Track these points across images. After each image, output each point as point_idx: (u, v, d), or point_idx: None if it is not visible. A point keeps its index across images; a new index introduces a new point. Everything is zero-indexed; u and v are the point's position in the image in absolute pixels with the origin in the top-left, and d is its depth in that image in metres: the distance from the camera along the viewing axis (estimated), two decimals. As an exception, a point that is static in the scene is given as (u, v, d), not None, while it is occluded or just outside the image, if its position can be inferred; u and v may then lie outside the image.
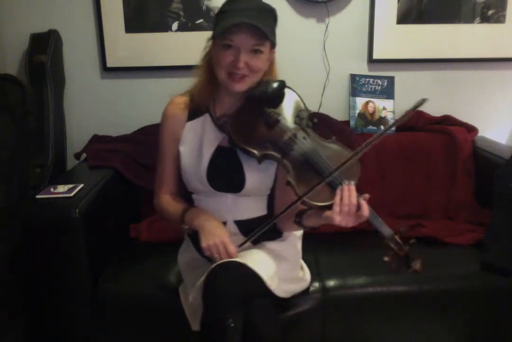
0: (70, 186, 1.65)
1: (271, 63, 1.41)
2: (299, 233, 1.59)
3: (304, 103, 1.41)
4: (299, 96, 1.42)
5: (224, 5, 1.35)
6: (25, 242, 1.54)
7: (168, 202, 1.49)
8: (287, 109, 1.39)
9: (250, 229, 1.38)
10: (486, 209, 1.95)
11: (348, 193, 1.23)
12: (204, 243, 1.31)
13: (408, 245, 1.27)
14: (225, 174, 1.39)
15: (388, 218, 2.00)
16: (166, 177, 1.50)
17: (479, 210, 2.01)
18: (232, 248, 1.30)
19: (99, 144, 2.10)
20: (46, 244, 1.51)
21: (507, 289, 1.60)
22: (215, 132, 1.42)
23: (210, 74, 1.40)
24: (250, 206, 1.44)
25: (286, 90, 1.41)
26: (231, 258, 1.28)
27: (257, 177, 1.40)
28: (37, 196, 1.59)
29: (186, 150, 1.44)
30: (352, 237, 1.91)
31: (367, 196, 1.27)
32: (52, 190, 1.62)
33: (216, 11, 2.02)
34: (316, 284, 1.57)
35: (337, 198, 1.23)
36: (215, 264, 1.27)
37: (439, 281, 1.60)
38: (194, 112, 1.45)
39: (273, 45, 1.35)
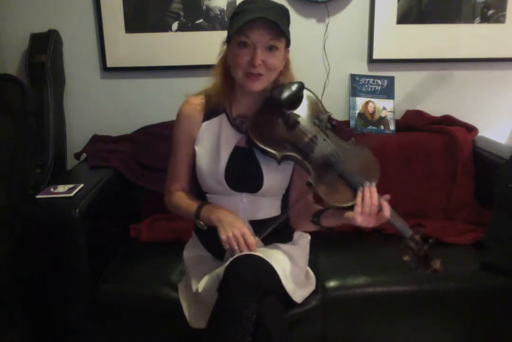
0: (70, 186, 1.65)
1: (286, 63, 1.42)
2: (309, 238, 1.61)
3: (322, 105, 1.43)
4: (317, 98, 1.44)
5: (239, 6, 1.37)
6: (25, 242, 1.54)
7: (181, 197, 1.49)
8: (306, 111, 1.40)
9: (263, 228, 1.42)
10: (486, 209, 1.95)
11: (370, 194, 1.26)
12: (223, 235, 1.31)
13: (428, 245, 1.30)
14: (243, 174, 1.40)
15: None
16: (179, 174, 1.49)
17: (479, 210, 2.01)
18: (252, 239, 1.31)
19: (99, 144, 2.10)
20: (46, 244, 1.51)
21: (507, 289, 1.60)
22: (232, 132, 1.43)
23: (226, 76, 1.41)
24: (265, 206, 1.46)
25: (305, 92, 1.42)
26: (251, 249, 1.29)
27: (275, 177, 1.41)
28: (37, 196, 1.59)
29: (202, 150, 1.44)
30: (352, 237, 1.91)
31: (388, 196, 1.30)
32: (52, 190, 1.62)
33: (216, 11, 2.03)
34: (316, 284, 1.56)
35: (359, 199, 1.26)
36: (236, 255, 1.29)
37: (439, 281, 1.60)
38: (210, 112, 1.45)
39: (288, 43, 1.37)
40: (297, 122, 1.36)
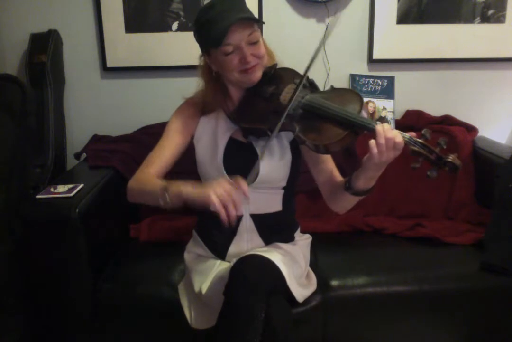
0: (70, 186, 1.65)
1: (264, 44, 1.42)
2: (310, 238, 1.62)
3: (297, 72, 1.44)
4: (292, 69, 1.46)
5: (200, 16, 1.36)
6: (25, 242, 1.54)
7: (150, 176, 1.39)
8: (283, 82, 1.41)
9: (265, 224, 1.44)
10: (486, 209, 1.95)
11: (383, 131, 1.19)
12: (208, 194, 1.14)
13: (439, 146, 1.22)
14: (241, 163, 1.37)
15: (388, 217, 2.03)
16: (158, 160, 1.44)
17: (479, 210, 2.01)
18: (241, 181, 1.17)
19: (99, 144, 2.10)
20: (46, 244, 1.51)
21: (507, 289, 1.60)
22: (229, 124, 1.45)
23: (216, 82, 1.43)
24: (266, 201, 1.46)
25: (278, 70, 1.44)
26: (245, 193, 1.17)
27: (271, 166, 1.41)
28: (37, 196, 1.59)
29: (201, 144, 1.46)
30: (352, 237, 1.92)
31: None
32: (52, 190, 1.62)
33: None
34: (317, 284, 1.56)
35: (372, 142, 1.20)
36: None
37: (439, 281, 1.60)
38: (207, 110, 1.48)
39: (259, 24, 1.38)
40: (274, 93, 1.38)
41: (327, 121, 1.28)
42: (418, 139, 1.22)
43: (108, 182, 1.80)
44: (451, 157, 1.21)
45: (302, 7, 2.20)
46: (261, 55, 1.35)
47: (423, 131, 1.23)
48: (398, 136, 1.20)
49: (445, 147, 1.22)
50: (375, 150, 1.20)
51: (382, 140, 1.19)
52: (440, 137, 1.24)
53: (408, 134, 1.23)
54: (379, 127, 1.20)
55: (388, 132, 1.19)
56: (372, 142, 1.20)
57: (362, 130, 1.23)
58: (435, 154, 1.22)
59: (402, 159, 1.82)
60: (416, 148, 1.22)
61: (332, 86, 1.42)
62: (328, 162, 1.47)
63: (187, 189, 1.22)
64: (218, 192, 1.15)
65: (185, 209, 1.24)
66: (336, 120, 1.27)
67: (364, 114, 1.28)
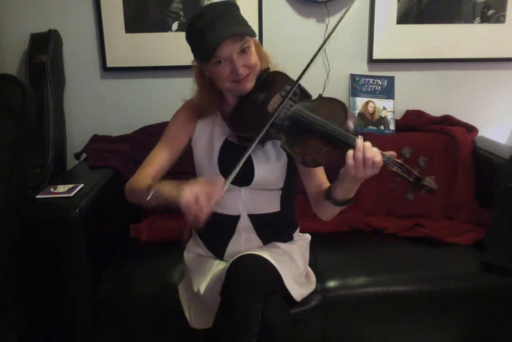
0: (70, 186, 1.65)
1: (258, 49, 1.39)
2: (309, 238, 1.61)
3: (289, 77, 1.42)
4: (285, 74, 1.43)
5: (191, 25, 1.33)
6: (25, 242, 1.54)
7: (144, 177, 1.41)
8: (273, 89, 1.39)
9: (263, 224, 1.44)
10: (486, 209, 1.95)
11: (363, 148, 1.17)
12: (183, 195, 1.14)
13: (418, 167, 1.20)
14: (234, 165, 1.35)
15: (388, 217, 2.03)
16: (154, 162, 1.45)
17: (479, 210, 2.01)
18: (219, 183, 1.18)
19: (99, 144, 2.10)
20: (46, 244, 1.51)
21: (507, 289, 1.60)
22: (224, 127, 1.45)
23: (210, 86, 1.42)
24: (264, 201, 1.46)
25: (270, 74, 1.42)
26: (218, 195, 1.17)
27: (266, 169, 1.41)
28: (37, 196, 1.59)
29: (199, 146, 1.46)
30: (352, 237, 1.92)
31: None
32: (52, 190, 1.62)
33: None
34: (316, 284, 1.56)
35: (350, 153, 1.18)
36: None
37: (439, 281, 1.60)
38: (204, 113, 1.47)
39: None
40: (263, 101, 1.36)
41: (311, 134, 1.26)
42: (397, 160, 1.20)
43: (108, 182, 1.80)
44: (427, 180, 1.19)
45: (302, 7, 2.20)
46: (253, 65, 1.33)
47: (402, 151, 1.20)
48: (378, 156, 1.18)
49: (425, 167, 1.20)
50: (351, 162, 1.18)
51: (359, 155, 1.17)
52: (420, 157, 1.20)
53: (387, 154, 1.20)
54: (359, 141, 1.19)
55: (367, 150, 1.17)
56: (350, 153, 1.18)
57: (344, 146, 1.21)
58: (414, 175, 1.19)
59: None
60: (394, 169, 1.19)
61: (320, 95, 1.39)
62: (318, 172, 1.46)
63: (164, 188, 1.26)
64: (188, 194, 1.15)
65: (167, 208, 1.24)
66: (319, 134, 1.24)
67: (350, 125, 1.24)
